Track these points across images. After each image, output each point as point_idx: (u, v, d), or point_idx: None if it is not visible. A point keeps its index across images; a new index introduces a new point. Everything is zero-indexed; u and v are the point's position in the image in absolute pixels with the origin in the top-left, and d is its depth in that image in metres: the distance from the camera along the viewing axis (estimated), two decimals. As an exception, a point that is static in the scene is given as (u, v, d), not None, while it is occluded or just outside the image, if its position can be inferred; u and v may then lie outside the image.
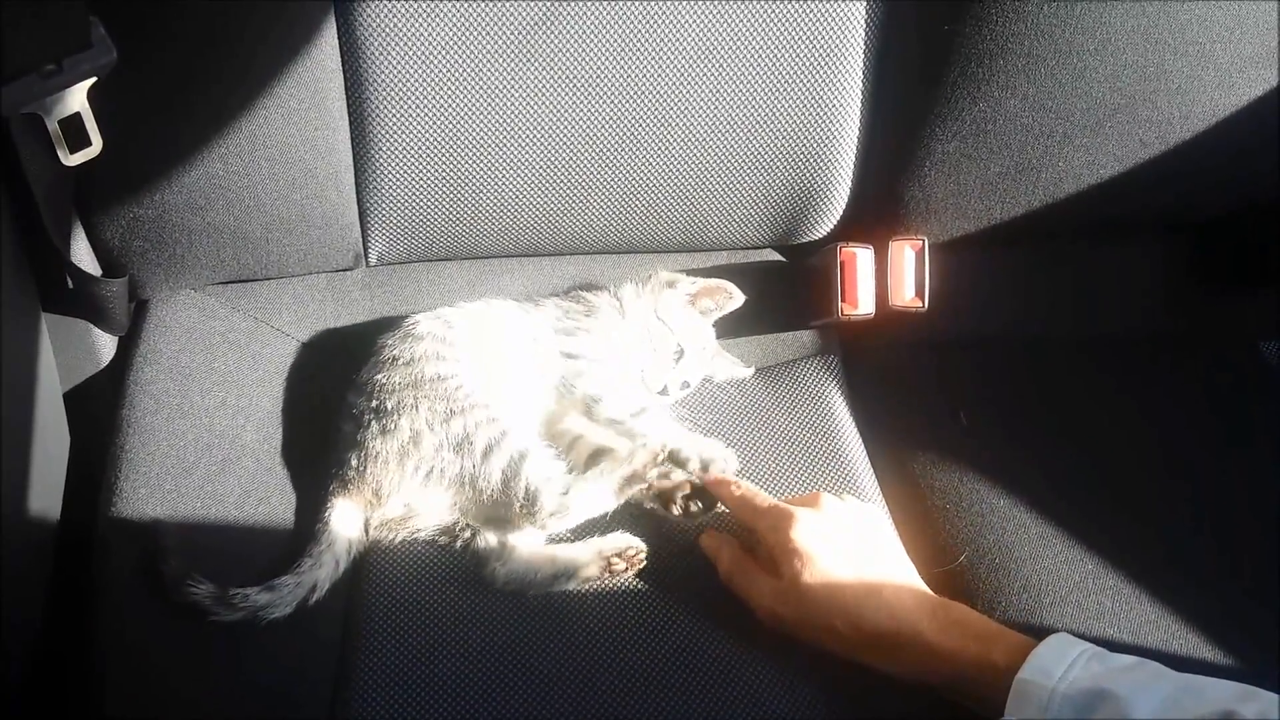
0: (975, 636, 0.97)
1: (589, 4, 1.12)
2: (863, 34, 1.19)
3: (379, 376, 1.13)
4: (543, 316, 1.23)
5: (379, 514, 1.10)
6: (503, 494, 1.08)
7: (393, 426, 1.09)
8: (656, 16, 1.14)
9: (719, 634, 1.06)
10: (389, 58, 1.11)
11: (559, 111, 1.17)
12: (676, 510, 1.13)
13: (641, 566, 1.10)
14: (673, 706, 1.02)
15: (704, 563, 1.09)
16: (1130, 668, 0.91)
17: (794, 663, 1.03)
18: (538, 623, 1.06)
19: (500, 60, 1.13)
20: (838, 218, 1.31)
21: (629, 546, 1.10)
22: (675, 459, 1.15)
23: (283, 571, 1.04)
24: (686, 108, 1.19)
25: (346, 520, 1.09)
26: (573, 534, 1.11)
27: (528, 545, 1.10)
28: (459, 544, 1.11)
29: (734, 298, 1.26)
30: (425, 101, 1.13)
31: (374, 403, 1.11)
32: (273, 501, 1.13)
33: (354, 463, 1.10)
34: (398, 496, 1.10)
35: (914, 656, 0.97)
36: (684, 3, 1.13)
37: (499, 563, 1.09)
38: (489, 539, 1.10)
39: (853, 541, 1.04)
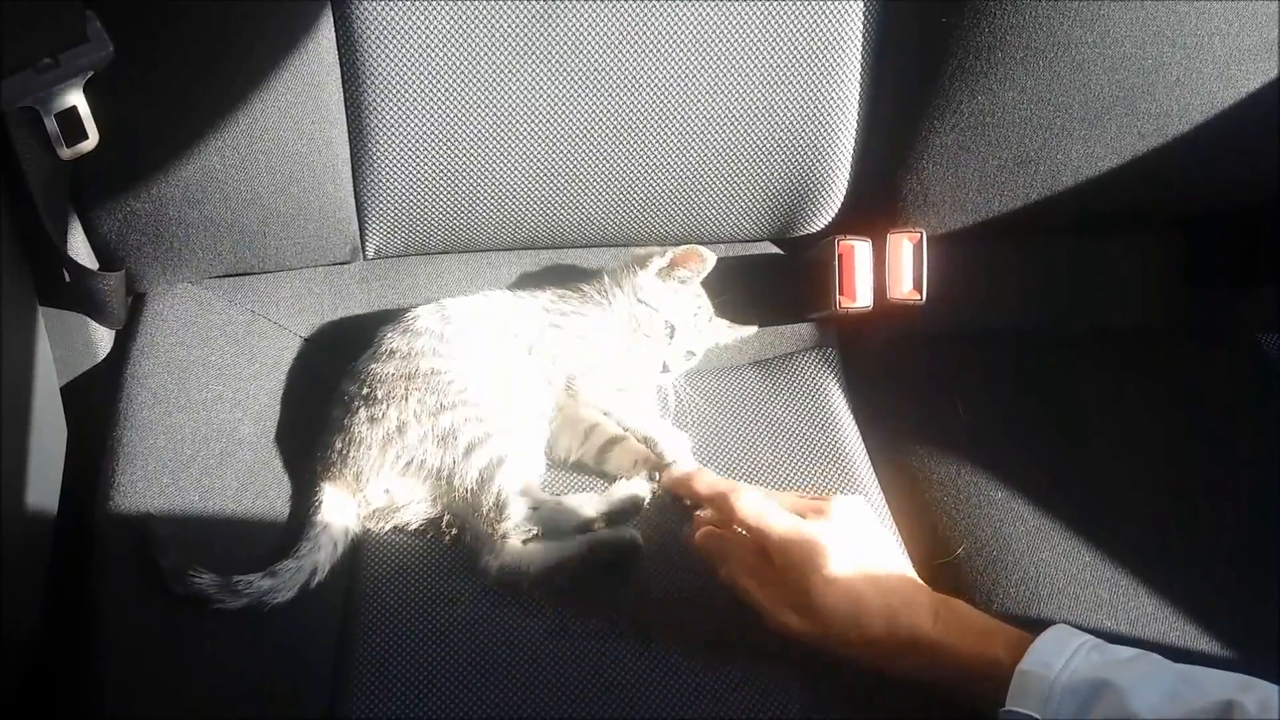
0: (976, 632, 0.96)
1: (586, -1, 1.12)
2: (861, 26, 1.19)
3: (374, 366, 1.13)
4: (537, 304, 1.24)
5: (362, 499, 1.10)
6: (475, 495, 1.08)
7: (380, 415, 1.10)
8: (654, 8, 1.13)
9: (718, 627, 1.06)
10: (386, 51, 1.11)
11: (556, 104, 1.17)
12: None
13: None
14: (673, 693, 1.02)
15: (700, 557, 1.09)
16: (1131, 659, 0.91)
17: (791, 657, 1.03)
18: (537, 612, 1.06)
19: (497, 53, 1.13)
20: (836, 210, 1.31)
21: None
22: (649, 446, 1.15)
23: (282, 558, 1.04)
24: (684, 100, 1.19)
25: (337, 505, 1.09)
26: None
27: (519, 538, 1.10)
28: (447, 540, 1.11)
29: (706, 260, 1.22)
30: (422, 95, 1.13)
31: (364, 390, 1.12)
32: (270, 494, 1.13)
33: (338, 445, 1.11)
34: (376, 482, 1.10)
35: (919, 657, 0.96)
36: (681, -3, 1.13)
37: (491, 555, 1.08)
38: (479, 532, 1.10)
39: (866, 554, 1.01)
